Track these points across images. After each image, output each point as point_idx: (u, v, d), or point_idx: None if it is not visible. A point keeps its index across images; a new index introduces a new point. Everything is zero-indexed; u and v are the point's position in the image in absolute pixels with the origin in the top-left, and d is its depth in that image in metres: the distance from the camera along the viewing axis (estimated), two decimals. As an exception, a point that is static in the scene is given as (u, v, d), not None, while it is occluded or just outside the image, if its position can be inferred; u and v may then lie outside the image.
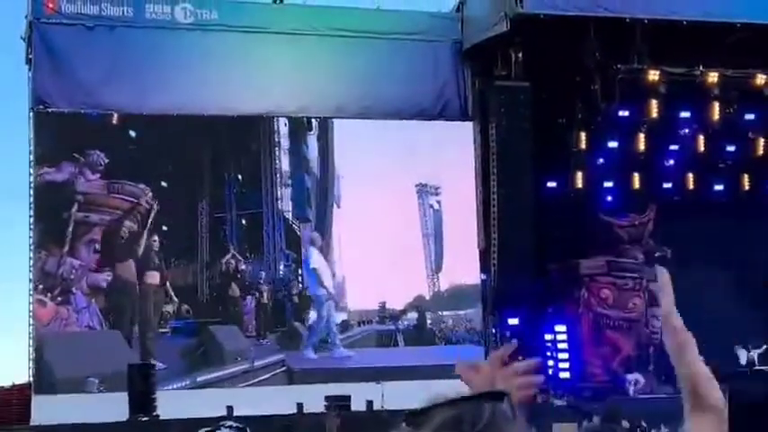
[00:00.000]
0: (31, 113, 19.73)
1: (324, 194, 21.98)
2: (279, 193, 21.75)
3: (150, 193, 20.40)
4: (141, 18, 20.14)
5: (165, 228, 20.66)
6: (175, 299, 20.44)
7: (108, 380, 18.80)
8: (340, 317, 21.60)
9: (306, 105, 21.29)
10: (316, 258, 21.49)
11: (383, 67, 21.31)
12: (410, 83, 21.51)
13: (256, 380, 20.39)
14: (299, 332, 21.21)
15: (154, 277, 20.36)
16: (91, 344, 19.63)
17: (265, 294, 21.24)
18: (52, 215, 19.87)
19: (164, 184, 20.69)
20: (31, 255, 19.48)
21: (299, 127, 21.79)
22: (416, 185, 22.19)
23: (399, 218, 21.72)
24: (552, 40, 19.94)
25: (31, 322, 19.22)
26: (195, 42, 20.38)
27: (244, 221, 21.46)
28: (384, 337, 21.91)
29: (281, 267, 21.56)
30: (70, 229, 19.79)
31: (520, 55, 20.71)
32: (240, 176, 21.58)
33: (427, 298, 22.32)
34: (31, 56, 19.78)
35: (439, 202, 22.35)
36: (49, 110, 19.70)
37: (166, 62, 20.29)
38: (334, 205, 21.96)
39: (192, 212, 21.01)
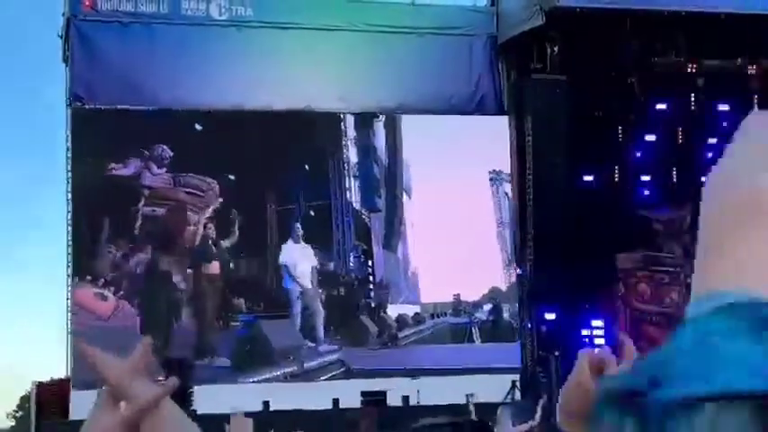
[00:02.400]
0: (69, 110, 19.89)
1: (393, 184, 21.63)
2: (347, 183, 21.43)
3: (217, 187, 20.33)
4: (177, 14, 20.23)
5: (232, 220, 20.51)
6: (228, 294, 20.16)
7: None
8: (412, 310, 21.38)
9: (342, 101, 21.25)
10: (288, 252, 20.70)
11: (418, 62, 21.21)
12: (445, 78, 21.42)
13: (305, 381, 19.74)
14: (365, 326, 20.72)
15: (214, 268, 20.17)
16: (125, 340, 19.47)
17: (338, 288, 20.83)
18: (119, 210, 19.73)
19: (231, 177, 20.50)
20: (70, 250, 19.59)
21: (365, 116, 21.55)
22: (490, 173, 21.82)
23: (471, 207, 21.27)
24: (588, 33, 19.80)
25: (69, 316, 19.31)
26: (230, 38, 20.41)
27: (312, 213, 21.03)
28: (458, 331, 21.38)
29: (351, 260, 21.18)
30: (138, 223, 19.78)
31: (556, 48, 20.59)
32: (307, 167, 21.19)
33: (503, 290, 21.88)
34: (67, 53, 19.94)
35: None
36: (86, 106, 19.83)
37: (202, 58, 20.27)
38: (404, 195, 21.64)
39: (260, 205, 20.69)
